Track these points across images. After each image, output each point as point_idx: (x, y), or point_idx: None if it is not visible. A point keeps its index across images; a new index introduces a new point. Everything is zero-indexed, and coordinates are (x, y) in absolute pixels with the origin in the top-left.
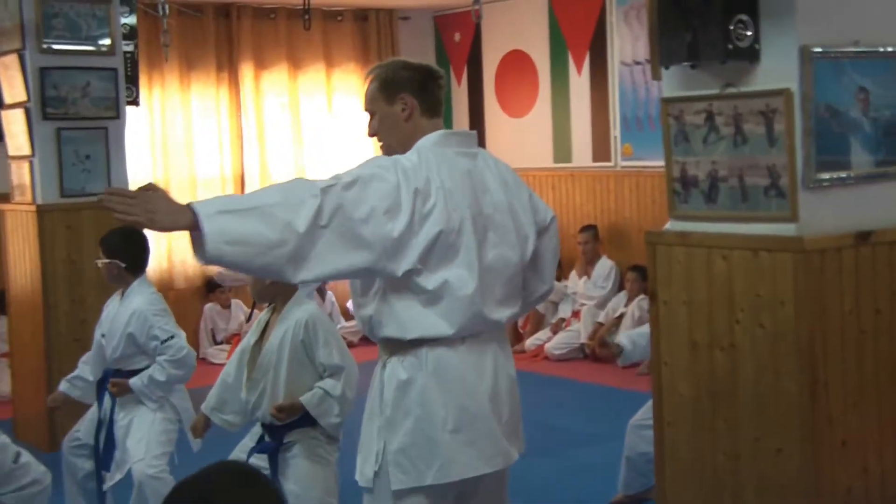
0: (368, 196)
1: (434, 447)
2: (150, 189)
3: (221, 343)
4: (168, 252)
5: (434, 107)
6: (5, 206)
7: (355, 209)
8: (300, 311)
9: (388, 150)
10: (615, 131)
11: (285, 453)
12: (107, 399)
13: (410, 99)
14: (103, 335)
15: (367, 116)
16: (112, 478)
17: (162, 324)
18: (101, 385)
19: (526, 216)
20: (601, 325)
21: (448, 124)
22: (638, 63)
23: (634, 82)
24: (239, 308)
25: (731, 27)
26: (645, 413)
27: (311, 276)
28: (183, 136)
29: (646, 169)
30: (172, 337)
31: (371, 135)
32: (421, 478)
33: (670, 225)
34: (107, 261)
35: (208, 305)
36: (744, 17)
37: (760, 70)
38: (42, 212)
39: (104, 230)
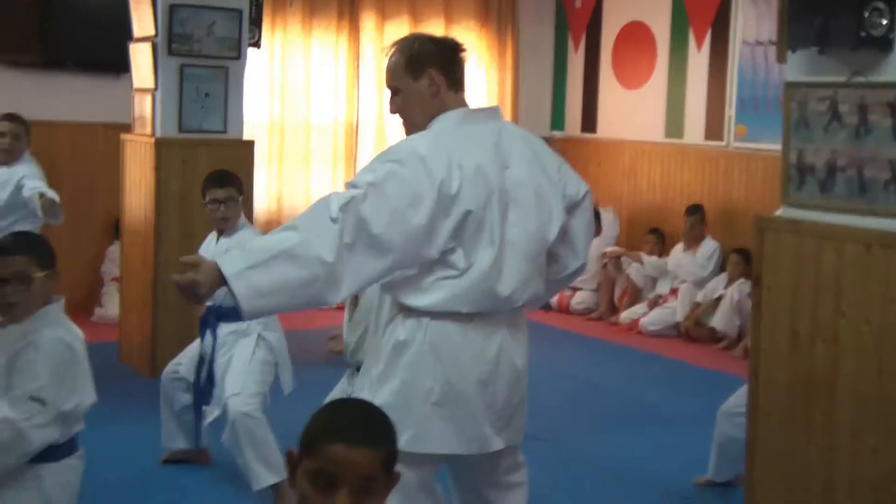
0: (387, 199)
1: (411, 414)
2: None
3: None
4: (278, 194)
5: (459, 81)
6: (126, 136)
7: (377, 218)
8: None
9: (411, 128)
10: (730, 111)
11: None
12: (208, 336)
13: (437, 74)
14: None
15: (388, 93)
16: (211, 412)
17: None
18: (203, 322)
19: (553, 190)
20: (698, 305)
21: (561, 90)
22: (760, 43)
23: (755, 63)
24: None
25: (867, 14)
26: (737, 400)
27: (352, 290)
28: (301, 81)
29: (758, 151)
30: None
31: (394, 111)
32: None
33: (782, 211)
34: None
35: None
36: (880, 4)
37: (892, 60)
38: (160, 145)
39: (217, 166)
